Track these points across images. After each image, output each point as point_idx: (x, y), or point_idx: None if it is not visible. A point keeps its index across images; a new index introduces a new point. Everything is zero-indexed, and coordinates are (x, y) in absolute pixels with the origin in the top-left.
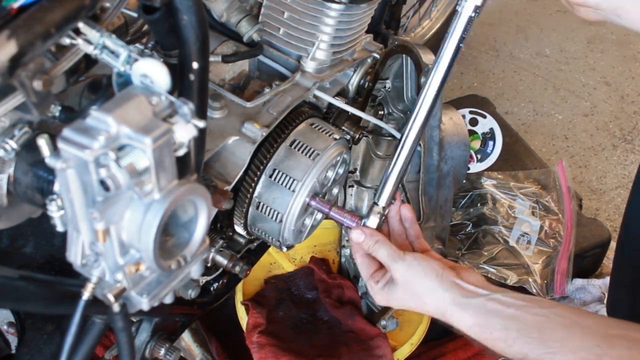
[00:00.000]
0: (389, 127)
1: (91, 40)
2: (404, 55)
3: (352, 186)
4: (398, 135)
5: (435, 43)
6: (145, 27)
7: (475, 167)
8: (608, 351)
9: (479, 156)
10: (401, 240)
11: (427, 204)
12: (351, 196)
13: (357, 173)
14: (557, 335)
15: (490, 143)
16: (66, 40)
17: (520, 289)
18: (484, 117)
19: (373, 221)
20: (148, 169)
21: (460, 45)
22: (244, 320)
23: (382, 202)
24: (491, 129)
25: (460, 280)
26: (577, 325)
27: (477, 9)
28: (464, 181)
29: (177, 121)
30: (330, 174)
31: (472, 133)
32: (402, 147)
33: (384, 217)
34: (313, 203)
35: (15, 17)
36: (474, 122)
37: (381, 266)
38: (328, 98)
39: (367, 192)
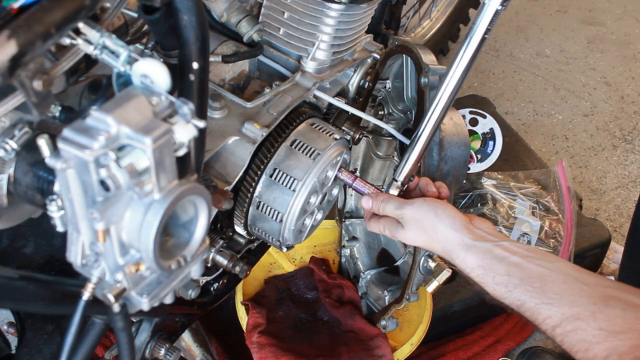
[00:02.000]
0: (389, 128)
1: (91, 41)
2: (404, 56)
3: None
4: (398, 136)
5: (436, 43)
6: (146, 27)
7: (475, 167)
8: (603, 309)
9: (479, 156)
10: None
11: None
12: (351, 196)
13: (358, 173)
14: (557, 287)
15: (490, 143)
16: (66, 40)
17: None
18: (484, 117)
19: (394, 191)
20: (148, 169)
21: (486, 36)
22: (244, 320)
23: (401, 178)
24: (491, 129)
25: (471, 225)
26: (577, 281)
27: (504, 2)
28: (464, 181)
29: (177, 121)
30: (331, 174)
31: (472, 133)
32: (425, 124)
33: (402, 193)
34: (340, 175)
35: (16, 17)
36: (474, 122)
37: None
38: (328, 98)
39: None
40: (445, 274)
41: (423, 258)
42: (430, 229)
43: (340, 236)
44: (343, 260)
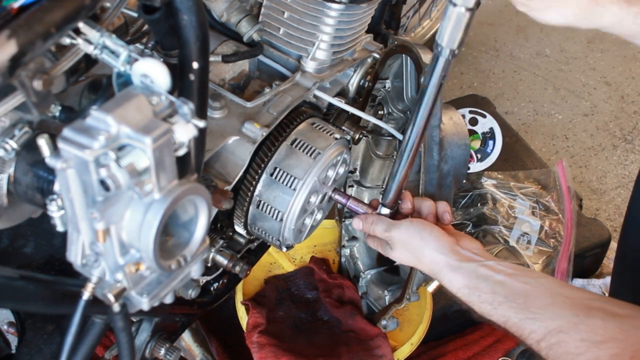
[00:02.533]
0: (388, 127)
1: (91, 40)
2: (403, 55)
3: (352, 186)
4: (398, 135)
5: None
6: (146, 27)
7: (475, 167)
8: (584, 320)
9: (479, 156)
10: None
11: None
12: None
13: (357, 173)
14: (540, 302)
15: (490, 143)
16: (66, 40)
17: None
18: (484, 116)
19: (384, 212)
20: (148, 169)
21: (442, 82)
22: (244, 320)
23: (388, 200)
24: (491, 128)
25: (458, 246)
26: (560, 295)
27: (453, 53)
28: (464, 181)
29: (177, 121)
30: (331, 174)
31: (472, 133)
32: (405, 148)
33: (393, 213)
34: (334, 195)
35: (16, 17)
36: (473, 121)
37: None
38: (328, 98)
39: (367, 192)
40: None
41: None
42: (417, 251)
43: (340, 236)
44: (343, 260)
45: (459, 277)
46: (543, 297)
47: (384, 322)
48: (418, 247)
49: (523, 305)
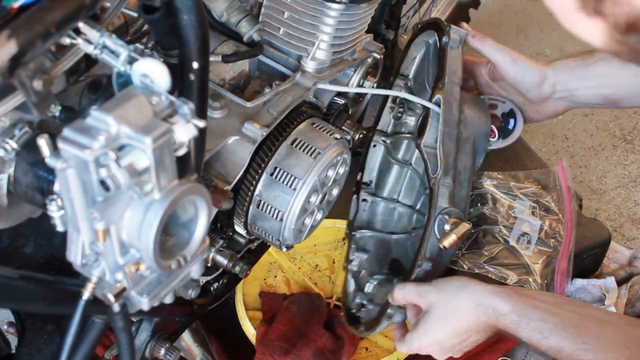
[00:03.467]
0: (418, 99)
1: (91, 40)
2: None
3: (365, 200)
4: (428, 104)
5: None
6: (146, 26)
7: (496, 144)
8: (637, 352)
9: (500, 133)
10: None
11: (446, 157)
12: (364, 212)
13: (372, 185)
14: (591, 332)
15: (511, 120)
16: (66, 40)
17: None
18: (503, 102)
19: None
20: (148, 169)
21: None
22: (243, 321)
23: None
24: (511, 109)
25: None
26: (610, 324)
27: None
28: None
29: (177, 121)
30: (331, 174)
31: (492, 116)
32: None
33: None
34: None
35: (16, 16)
36: (493, 106)
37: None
38: (333, 89)
39: (383, 202)
40: (464, 227)
41: (439, 218)
42: (454, 295)
43: (349, 250)
44: (349, 277)
45: (504, 302)
46: (592, 326)
47: (390, 311)
48: (453, 286)
49: (575, 335)
